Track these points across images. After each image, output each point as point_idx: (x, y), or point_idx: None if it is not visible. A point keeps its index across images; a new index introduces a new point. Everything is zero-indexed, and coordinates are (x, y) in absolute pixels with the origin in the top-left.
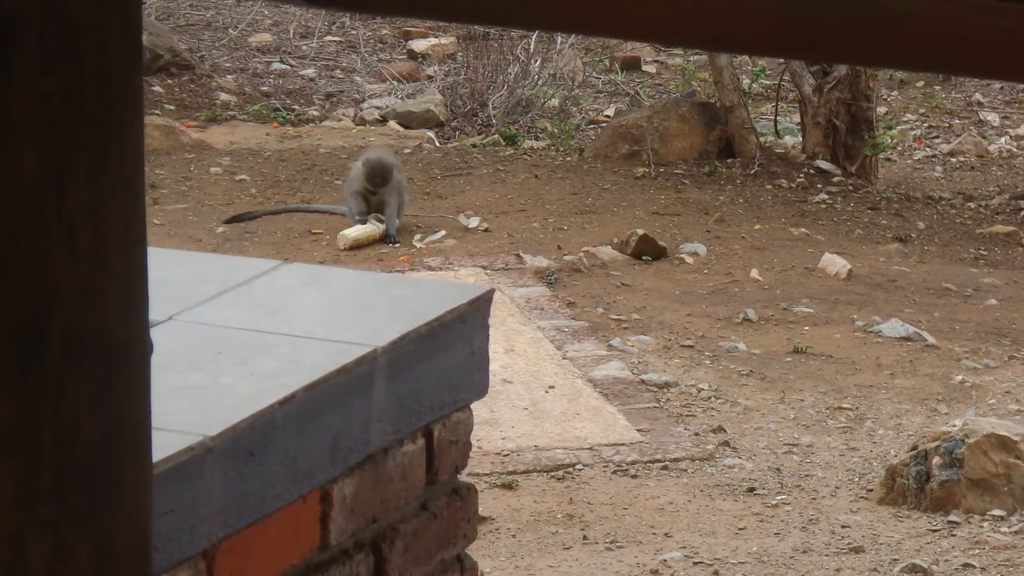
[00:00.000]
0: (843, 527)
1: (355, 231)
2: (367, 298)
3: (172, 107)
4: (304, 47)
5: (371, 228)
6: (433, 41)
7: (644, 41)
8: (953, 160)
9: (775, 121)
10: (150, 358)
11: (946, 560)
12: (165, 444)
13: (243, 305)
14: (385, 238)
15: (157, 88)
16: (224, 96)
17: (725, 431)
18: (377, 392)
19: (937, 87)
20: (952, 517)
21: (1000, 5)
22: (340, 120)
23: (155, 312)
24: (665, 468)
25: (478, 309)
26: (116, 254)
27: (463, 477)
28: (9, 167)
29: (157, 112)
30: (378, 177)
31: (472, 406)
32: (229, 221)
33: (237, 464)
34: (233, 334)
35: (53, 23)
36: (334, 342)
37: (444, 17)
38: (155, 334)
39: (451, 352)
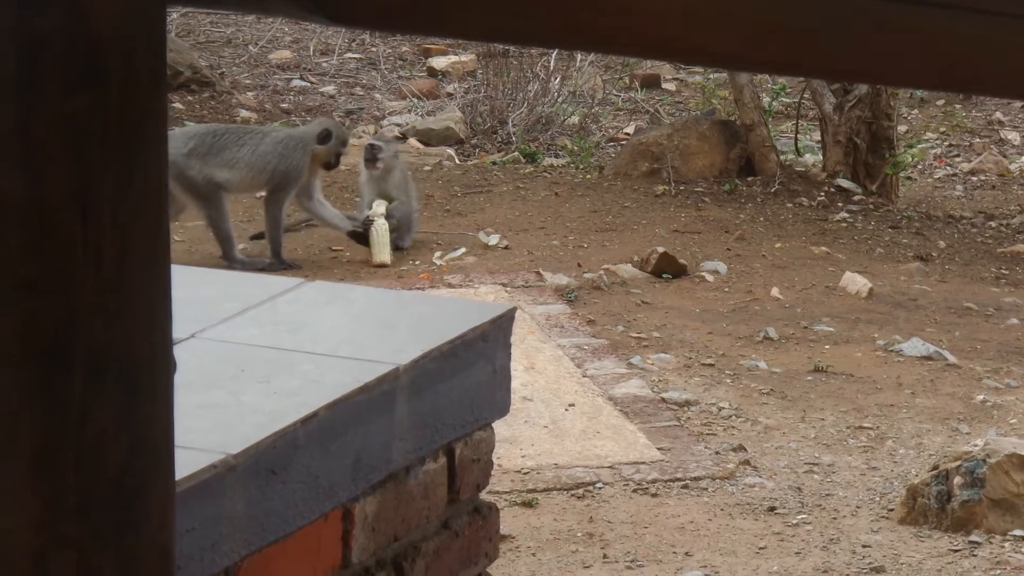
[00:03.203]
0: (864, 547)
1: (377, 251)
2: (389, 316)
3: (193, 124)
4: (324, 64)
5: (381, 226)
6: (453, 58)
7: (665, 60)
8: (974, 179)
9: (795, 139)
10: (173, 376)
11: None
12: (188, 462)
13: (265, 323)
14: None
15: (178, 105)
16: (244, 113)
17: (746, 450)
18: (399, 410)
19: (957, 106)
20: (973, 537)
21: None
22: (360, 137)
23: (177, 330)
24: (685, 487)
25: (500, 327)
26: (140, 272)
27: (484, 495)
28: (35, 186)
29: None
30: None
31: (493, 424)
32: (254, 238)
33: (259, 482)
34: (255, 352)
35: (79, 42)
36: (356, 360)
37: (466, 36)
38: (177, 352)
39: (473, 370)
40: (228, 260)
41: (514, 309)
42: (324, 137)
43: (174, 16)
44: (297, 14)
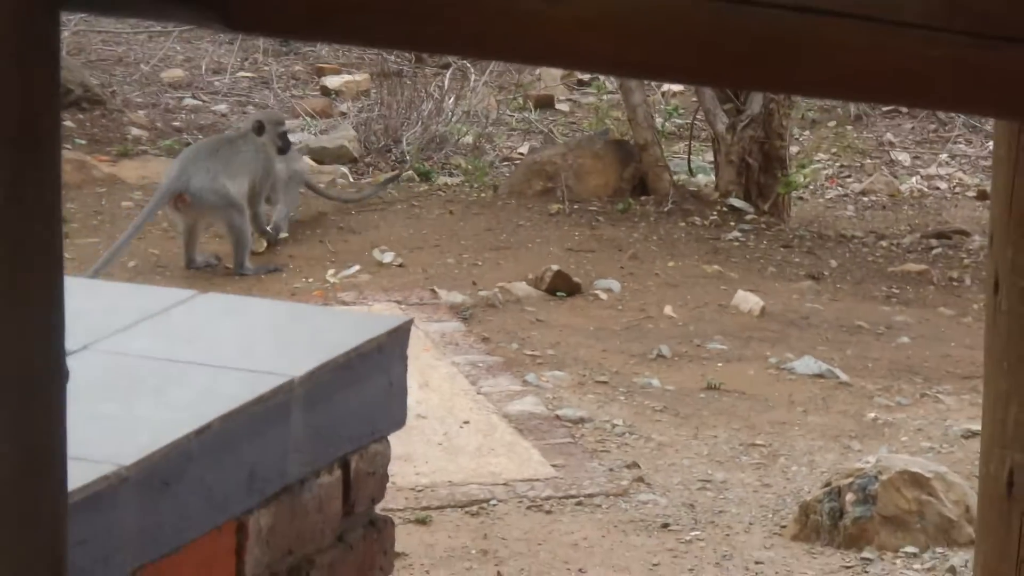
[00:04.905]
0: (757, 563)
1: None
2: (284, 328)
3: (83, 142)
4: (216, 83)
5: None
6: (347, 77)
7: (588, 72)
8: (865, 199)
9: (688, 159)
10: (66, 387)
11: None
12: (80, 473)
13: (159, 334)
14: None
15: (68, 123)
16: (135, 131)
17: (639, 467)
18: (294, 423)
19: (849, 127)
20: (865, 554)
21: (931, 35)
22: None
23: (70, 341)
24: (579, 504)
25: (396, 340)
26: (34, 281)
27: (378, 511)
28: None
29: (68, 146)
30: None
31: (388, 439)
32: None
33: (152, 494)
34: (149, 363)
35: None
36: (251, 372)
37: (373, 43)
38: (70, 363)
39: (369, 383)
40: (241, 270)
41: (410, 321)
42: (259, 128)
43: (65, 35)
44: (195, 20)
